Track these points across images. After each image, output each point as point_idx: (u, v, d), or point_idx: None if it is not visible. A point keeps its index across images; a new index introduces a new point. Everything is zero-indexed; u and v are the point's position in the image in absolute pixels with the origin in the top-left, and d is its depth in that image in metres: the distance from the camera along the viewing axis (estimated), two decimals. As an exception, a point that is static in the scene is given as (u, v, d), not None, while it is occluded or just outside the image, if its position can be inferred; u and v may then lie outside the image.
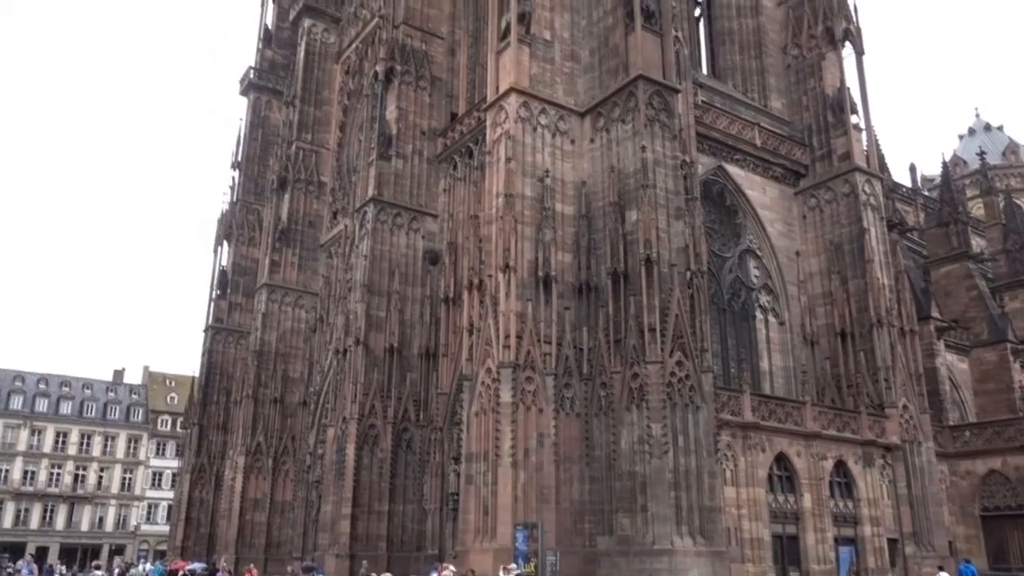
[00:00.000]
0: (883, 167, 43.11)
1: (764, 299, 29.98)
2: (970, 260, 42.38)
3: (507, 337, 22.46)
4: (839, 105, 31.72)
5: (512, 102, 24.89)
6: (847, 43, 32.59)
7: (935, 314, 37.49)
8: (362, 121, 38.72)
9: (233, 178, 48.20)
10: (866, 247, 29.59)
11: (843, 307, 29.39)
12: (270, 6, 50.78)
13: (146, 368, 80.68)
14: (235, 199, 47.47)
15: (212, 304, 45.94)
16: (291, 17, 47.72)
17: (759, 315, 29.69)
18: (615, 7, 25.96)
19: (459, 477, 24.54)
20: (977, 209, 53.42)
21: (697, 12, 35.19)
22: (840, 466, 26.42)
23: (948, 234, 42.84)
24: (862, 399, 27.94)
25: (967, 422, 35.90)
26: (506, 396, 21.93)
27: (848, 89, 32.12)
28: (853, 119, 31.64)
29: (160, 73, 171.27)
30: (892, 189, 45.34)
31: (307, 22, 45.12)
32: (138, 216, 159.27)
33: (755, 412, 24.49)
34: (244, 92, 50.09)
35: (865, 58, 32.43)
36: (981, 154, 54.80)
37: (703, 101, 29.41)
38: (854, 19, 32.69)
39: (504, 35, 26.03)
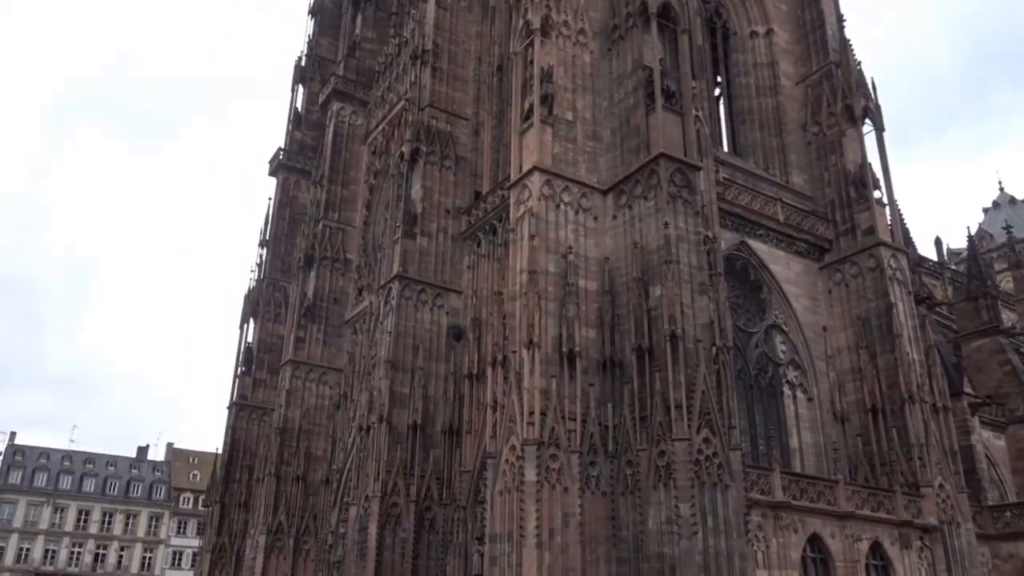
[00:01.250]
0: (908, 241, 42.96)
1: (792, 375, 29.55)
2: (1001, 334, 41.66)
3: (531, 414, 22.25)
4: (861, 181, 31.82)
5: (535, 180, 25.27)
6: (867, 120, 32.91)
7: (968, 390, 36.69)
8: (388, 200, 39.44)
9: (261, 255, 49.02)
10: (894, 322, 29.23)
11: (873, 383, 28.86)
12: (300, 91, 52.48)
13: (170, 445, 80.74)
14: (262, 276, 48.15)
15: (237, 381, 46.10)
16: (320, 101, 49.24)
17: (787, 391, 29.22)
18: (636, 88, 26.52)
19: (483, 558, 23.98)
20: (1006, 283, 52.82)
21: (717, 92, 35.84)
22: (876, 548, 25.49)
23: (978, 308, 42.27)
24: (896, 478, 27.14)
25: (1007, 502, 34.68)
26: (531, 475, 21.58)
27: (869, 164, 32.29)
28: (876, 194, 31.66)
29: (193, 154, 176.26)
30: (918, 263, 45.02)
31: (336, 105, 46.53)
32: (163, 294, 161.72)
33: (786, 491, 23.85)
34: (273, 172, 51.39)
35: (885, 133, 32.75)
36: (1008, 228, 54.53)
37: (725, 178, 29.67)
38: (873, 97, 33.07)
39: (527, 116, 26.61)
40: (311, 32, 53.56)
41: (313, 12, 53.90)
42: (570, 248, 24.97)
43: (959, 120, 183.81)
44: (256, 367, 46.01)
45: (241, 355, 46.53)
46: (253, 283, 48.49)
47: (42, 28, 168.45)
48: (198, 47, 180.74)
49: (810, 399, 29.46)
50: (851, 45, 34.34)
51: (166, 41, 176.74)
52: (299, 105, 52.54)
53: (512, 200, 26.33)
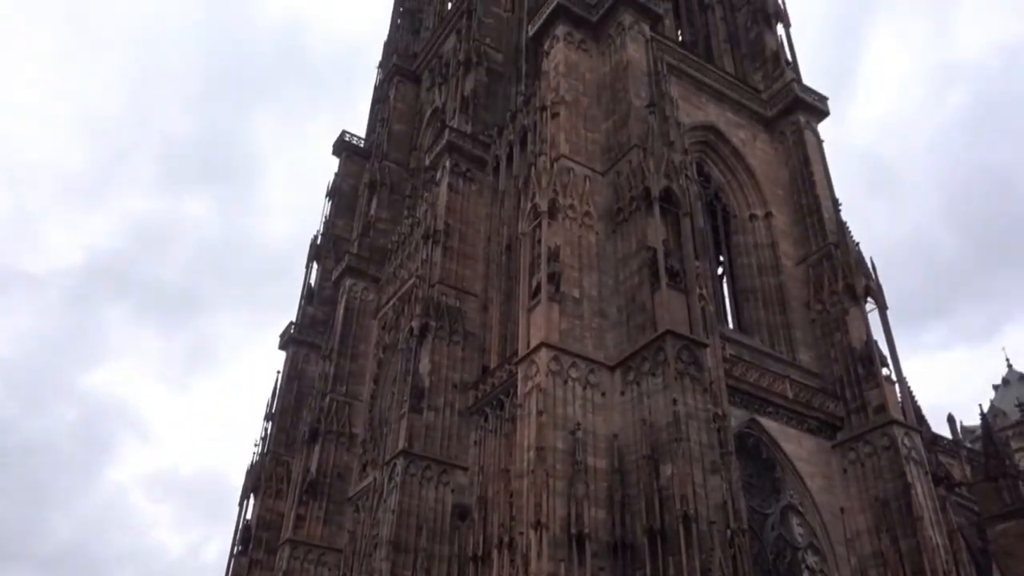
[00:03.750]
0: (921, 419, 42.33)
1: (811, 559, 28.26)
2: (1027, 517, 40.12)
3: (539, 602, 21.18)
4: (868, 358, 31.83)
5: (543, 356, 25.44)
6: (869, 298, 33.38)
7: (998, 577, 34.94)
8: (396, 374, 39.50)
9: (265, 429, 48.42)
10: (913, 503, 28.27)
11: (897, 569, 27.44)
12: (315, 268, 54.04)
13: (157, 632, 76.36)
14: (265, 450, 47.42)
15: (232, 561, 44.25)
16: (334, 277, 50.54)
17: (807, 577, 27.86)
18: (640, 268, 27.25)
19: None
20: (1024, 461, 51.60)
21: (720, 271, 36.74)
22: None
23: (999, 488, 40.93)
24: (931, 676, 25.32)
25: None
26: (539, 670, 20.25)
27: (876, 342, 32.43)
28: (884, 371, 31.61)
29: (201, 328, 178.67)
30: (933, 441, 44.12)
31: (348, 281, 47.68)
32: (165, 466, 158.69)
33: None
34: (283, 346, 51.85)
35: (890, 312, 33.11)
36: (1021, 405, 54.08)
37: (731, 355, 29.80)
38: (874, 276, 33.71)
39: (535, 293, 27.22)
40: (327, 213, 55.84)
41: (330, 195, 56.47)
42: (578, 424, 24.73)
43: (963, 300, 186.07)
44: (254, 546, 44.25)
45: (239, 533, 44.97)
46: (256, 457, 47.70)
47: (68, 202, 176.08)
48: (207, 222, 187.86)
49: (832, 586, 28.01)
50: (848, 227, 35.42)
51: (181, 218, 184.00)
52: (313, 281, 53.88)
53: (520, 375, 26.40)
